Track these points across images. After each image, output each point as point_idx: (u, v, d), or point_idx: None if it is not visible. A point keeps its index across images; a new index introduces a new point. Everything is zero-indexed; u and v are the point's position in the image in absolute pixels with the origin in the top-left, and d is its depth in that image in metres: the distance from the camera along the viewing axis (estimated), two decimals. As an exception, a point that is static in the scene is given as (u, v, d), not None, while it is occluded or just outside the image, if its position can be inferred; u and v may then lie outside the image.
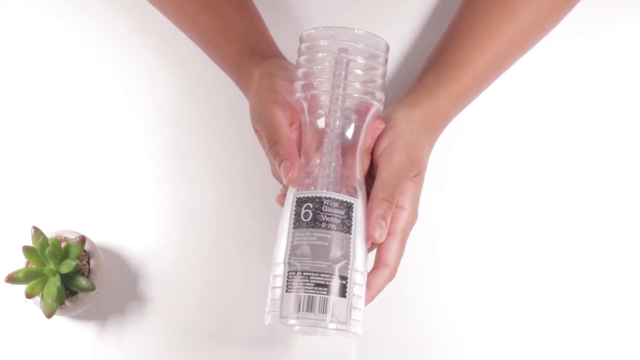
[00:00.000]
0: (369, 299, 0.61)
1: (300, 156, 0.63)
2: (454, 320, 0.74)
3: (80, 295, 0.69)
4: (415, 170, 0.64)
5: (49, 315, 0.66)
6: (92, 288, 0.68)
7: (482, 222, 0.76)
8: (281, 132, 0.63)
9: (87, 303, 0.70)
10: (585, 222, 0.76)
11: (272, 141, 0.63)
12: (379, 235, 0.60)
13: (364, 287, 0.60)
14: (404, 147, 0.64)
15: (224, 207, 0.76)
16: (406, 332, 0.73)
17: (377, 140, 0.65)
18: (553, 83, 0.79)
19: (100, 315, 0.73)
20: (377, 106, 0.63)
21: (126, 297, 0.73)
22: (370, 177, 0.65)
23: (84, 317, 0.73)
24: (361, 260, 0.60)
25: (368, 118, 0.63)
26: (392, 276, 0.62)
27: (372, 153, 0.65)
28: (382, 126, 0.65)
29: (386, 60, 0.64)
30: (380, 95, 0.63)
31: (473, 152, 0.78)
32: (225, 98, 0.78)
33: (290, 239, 0.59)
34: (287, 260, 0.59)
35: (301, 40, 0.64)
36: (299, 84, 0.63)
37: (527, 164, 0.77)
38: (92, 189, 0.76)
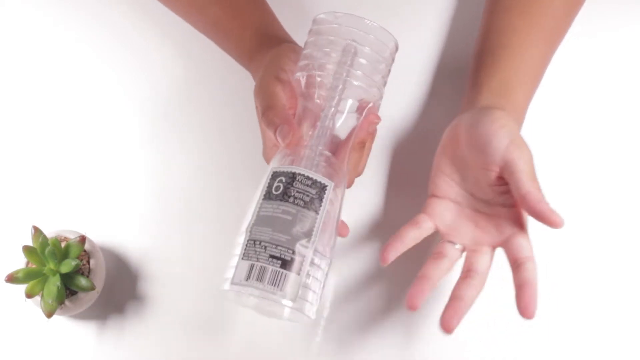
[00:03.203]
0: (535, 293, 0.60)
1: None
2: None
3: (80, 295, 0.69)
4: None
5: (49, 315, 0.66)
6: (92, 288, 0.68)
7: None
8: (276, 100, 0.62)
9: (87, 303, 0.70)
10: (584, 221, 0.76)
11: (266, 108, 0.62)
12: (561, 220, 0.59)
13: (322, 272, 0.60)
14: (523, 142, 0.63)
15: (226, 207, 0.75)
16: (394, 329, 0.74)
17: (491, 138, 0.63)
18: (553, 84, 0.79)
19: (100, 315, 0.73)
20: (375, 99, 0.63)
21: (126, 297, 0.73)
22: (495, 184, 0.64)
23: (84, 317, 0.72)
24: (325, 244, 0.59)
25: (365, 111, 0.63)
26: (536, 265, 0.62)
27: (491, 152, 0.63)
28: (378, 121, 0.64)
29: (393, 59, 0.64)
30: (380, 90, 0.63)
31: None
32: (225, 98, 0.78)
33: (258, 209, 0.59)
34: (249, 229, 0.59)
35: (314, 22, 0.64)
36: (302, 63, 0.63)
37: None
38: (92, 189, 0.76)
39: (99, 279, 0.70)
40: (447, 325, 0.61)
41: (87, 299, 0.69)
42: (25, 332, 0.72)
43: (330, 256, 0.60)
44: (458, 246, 0.66)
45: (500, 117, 0.65)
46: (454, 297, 0.62)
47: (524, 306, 0.59)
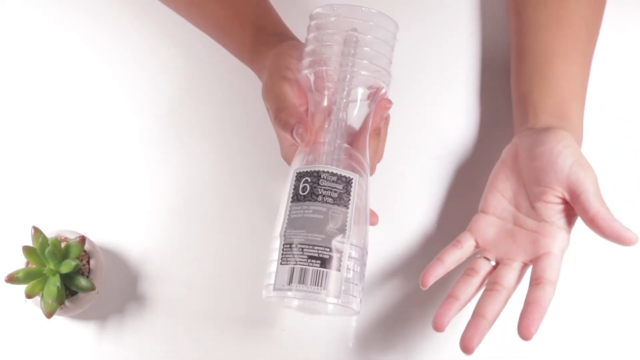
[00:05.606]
0: (541, 316, 0.60)
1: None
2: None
3: (80, 295, 0.69)
4: None
5: (49, 315, 0.66)
6: (92, 288, 0.68)
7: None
8: (287, 101, 0.63)
9: (87, 303, 0.70)
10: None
11: (277, 110, 0.62)
12: (635, 236, 0.60)
13: (361, 264, 0.60)
14: (587, 162, 0.64)
15: (226, 207, 0.75)
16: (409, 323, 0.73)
17: (556, 157, 0.64)
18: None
19: (100, 316, 0.73)
20: (385, 85, 0.63)
21: (126, 297, 0.73)
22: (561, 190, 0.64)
23: (84, 317, 0.72)
24: (359, 236, 0.60)
25: (376, 97, 0.63)
26: (554, 293, 0.62)
27: (555, 172, 0.64)
28: (389, 105, 0.65)
29: (395, 40, 0.64)
30: (388, 74, 0.63)
31: (476, 154, 0.77)
32: (226, 97, 0.78)
33: (288, 213, 0.59)
34: (283, 233, 0.59)
35: (311, 17, 0.64)
36: (307, 61, 0.63)
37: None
38: (92, 189, 0.76)
39: (99, 279, 0.70)
40: (467, 345, 0.60)
41: (87, 299, 0.69)
42: (25, 333, 0.72)
43: (365, 246, 0.60)
44: (492, 262, 0.66)
45: (564, 137, 0.65)
46: (477, 314, 0.62)
47: (526, 325, 0.59)
